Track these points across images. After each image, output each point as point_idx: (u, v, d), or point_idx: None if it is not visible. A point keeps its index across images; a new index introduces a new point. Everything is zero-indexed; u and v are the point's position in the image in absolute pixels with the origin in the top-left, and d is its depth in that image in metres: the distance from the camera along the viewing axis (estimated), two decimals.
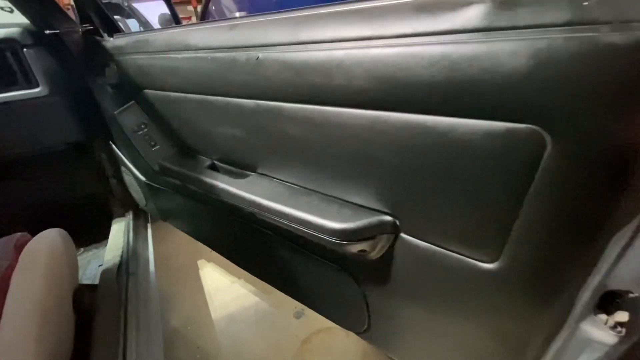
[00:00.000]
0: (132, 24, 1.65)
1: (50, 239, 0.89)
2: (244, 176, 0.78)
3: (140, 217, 1.50)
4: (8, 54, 1.06)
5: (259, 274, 1.01)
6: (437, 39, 0.40)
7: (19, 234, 0.91)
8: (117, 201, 1.54)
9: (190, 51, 0.73)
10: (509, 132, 0.38)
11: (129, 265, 1.14)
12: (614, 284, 0.43)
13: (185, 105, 0.82)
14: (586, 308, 0.45)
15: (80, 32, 1.09)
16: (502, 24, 0.36)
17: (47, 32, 1.03)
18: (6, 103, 1.08)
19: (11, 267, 0.76)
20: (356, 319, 0.74)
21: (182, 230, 1.30)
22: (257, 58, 0.58)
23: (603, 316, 0.46)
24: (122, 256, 1.19)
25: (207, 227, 1.12)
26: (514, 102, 0.37)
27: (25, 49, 1.06)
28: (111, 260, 1.18)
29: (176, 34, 0.79)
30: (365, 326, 0.73)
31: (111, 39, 1.05)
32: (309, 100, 0.54)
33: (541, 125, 0.36)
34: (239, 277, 1.64)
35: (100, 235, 1.49)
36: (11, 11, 1.16)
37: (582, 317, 0.46)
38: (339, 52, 0.48)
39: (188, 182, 0.89)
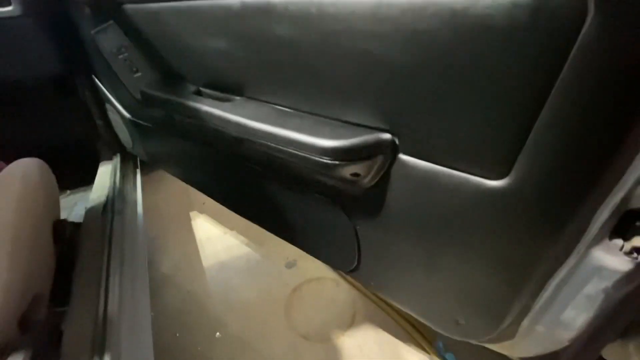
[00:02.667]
0: None
1: (26, 166, 0.83)
2: (230, 100, 0.71)
3: (129, 160, 1.44)
4: None
5: (250, 215, 0.96)
6: None
7: None
8: (104, 144, 1.47)
9: None
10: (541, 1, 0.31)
11: (114, 204, 1.09)
12: (638, 202, 0.38)
13: (167, 19, 0.73)
14: (602, 231, 0.40)
15: None
16: None
17: None
18: None
19: None
20: (346, 256, 0.70)
21: (170, 173, 1.25)
22: None
23: (619, 241, 0.41)
24: (108, 196, 1.14)
25: (196, 168, 1.06)
26: None
27: None
28: (96, 200, 1.13)
29: None
30: (355, 263, 0.69)
31: None
32: None
33: None
34: (232, 229, 1.61)
35: (87, 179, 1.43)
36: None
37: (595, 242, 0.41)
38: None
39: (172, 110, 0.82)
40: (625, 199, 0.38)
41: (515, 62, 0.35)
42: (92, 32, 0.89)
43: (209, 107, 0.69)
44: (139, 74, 0.91)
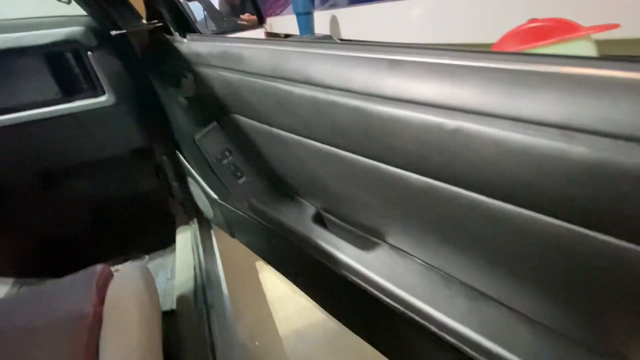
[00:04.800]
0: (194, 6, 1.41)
1: (134, 275, 0.83)
2: (369, 248, 0.61)
3: (205, 224, 1.41)
4: (71, 58, 0.91)
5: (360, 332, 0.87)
6: None
7: (99, 267, 0.83)
8: (179, 206, 1.45)
9: (310, 86, 0.54)
10: None
11: (205, 293, 1.06)
12: None
13: (289, 147, 0.65)
14: None
15: (147, 31, 0.91)
16: None
17: (114, 32, 0.86)
18: (71, 114, 0.95)
19: (99, 304, 0.72)
20: None
21: (255, 252, 1.19)
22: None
23: None
24: (195, 279, 1.11)
25: (295, 268, 0.99)
26: None
27: (89, 52, 0.90)
28: (184, 284, 1.10)
29: (289, 56, 0.59)
30: None
31: (184, 40, 0.87)
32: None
33: None
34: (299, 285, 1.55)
35: (163, 241, 1.43)
36: (68, 2, 0.99)
37: None
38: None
39: (286, 234, 0.75)
40: None
41: None
42: (196, 137, 0.83)
43: (338, 253, 0.61)
44: (243, 179, 0.84)
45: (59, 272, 1.28)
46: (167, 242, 1.43)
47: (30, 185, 1.42)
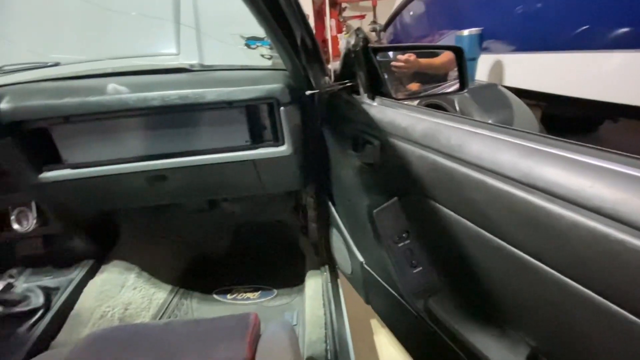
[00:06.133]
0: None
1: (282, 336, 0.80)
2: None
3: (334, 274, 1.35)
4: (265, 110, 0.98)
5: None
6: None
7: (251, 317, 0.82)
8: (310, 247, 1.44)
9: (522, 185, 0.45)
10: None
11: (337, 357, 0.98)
12: None
13: (480, 247, 0.53)
14: None
15: (337, 90, 0.90)
16: None
17: (308, 92, 0.88)
18: (251, 160, 1.01)
19: (251, 358, 0.71)
20: None
21: (395, 335, 1.05)
22: None
23: None
24: (326, 342, 1.04)
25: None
26: None
27: (281, 107, 0.94)
28: (315, 342, 1.05)
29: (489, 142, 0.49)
30: None
31: (374, 102, 0.82)
32: None
33: None
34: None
35: (291, 279, 1.43)
36: (269, 58, 1.08)
37: None
38: None
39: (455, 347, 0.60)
40: None
41: None
42: (375, 212, 0.76)
43: None
44: (419, 270, 0.73)
45: (203, 287, 1.41)
46: (294, 281, 1.42)
47: (197, 208, 1.64)
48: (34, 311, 1.05)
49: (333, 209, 1.18)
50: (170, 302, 1.31)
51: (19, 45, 1.23)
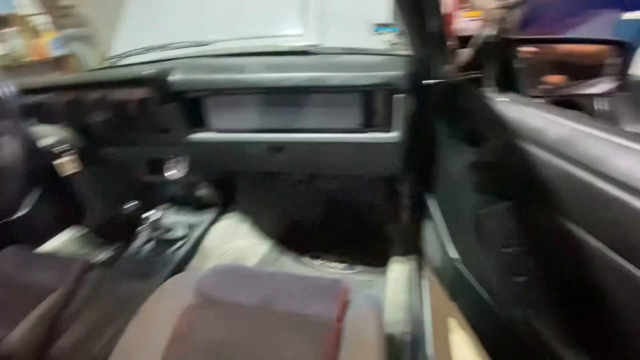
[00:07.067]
0: None
1: (369, 309, 0.87)
2: None
3: (421, 263, 1.36)
4: (380, 96, 1.00)
5: None
6: None
7: (342, 284, 0.90)
8: (400, 235, 1.46)
9: None
10: None
11: (414, 346, 1.02)
12: None
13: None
14: None
15: (460, 80, 0.87)
16: None
17: (428, 82, 0.87)
18: (358, 142, 1.06)
19: (339, 322, 0.77)
20: None
21: (476, 335, 1.03)
22: None
23: None
24: (406, 325, 1.09)
25: None
26: None
27: (394, 95, 0.96)
28: (396, 323, 1.10)
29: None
30: None
31: (501, 98, 0.77)
32: None
33: None
34: None
35: (375, 260, 1.49)
36: (393, 44, 1.09)
37: None
38: None
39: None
40: None
41: None
42: (481, 211, 0.74)
43: None
44: (523, 279, 0.69)
45: (297, 249, 1.58)
46: (379, 262, 1.48)
47: (299, 180, 1.80)
48: (176, 240, 1.37)
49: (429, 201, 1.16)
50: (270, 255, 1.52)
51: (176, 26, 1.51)
